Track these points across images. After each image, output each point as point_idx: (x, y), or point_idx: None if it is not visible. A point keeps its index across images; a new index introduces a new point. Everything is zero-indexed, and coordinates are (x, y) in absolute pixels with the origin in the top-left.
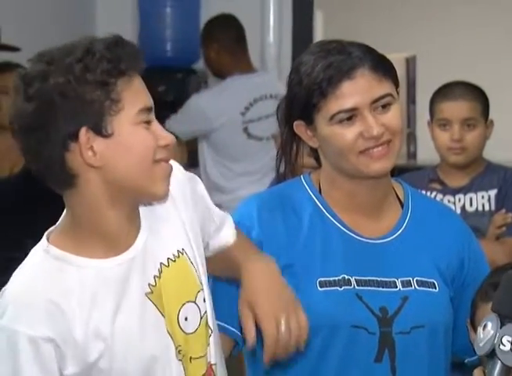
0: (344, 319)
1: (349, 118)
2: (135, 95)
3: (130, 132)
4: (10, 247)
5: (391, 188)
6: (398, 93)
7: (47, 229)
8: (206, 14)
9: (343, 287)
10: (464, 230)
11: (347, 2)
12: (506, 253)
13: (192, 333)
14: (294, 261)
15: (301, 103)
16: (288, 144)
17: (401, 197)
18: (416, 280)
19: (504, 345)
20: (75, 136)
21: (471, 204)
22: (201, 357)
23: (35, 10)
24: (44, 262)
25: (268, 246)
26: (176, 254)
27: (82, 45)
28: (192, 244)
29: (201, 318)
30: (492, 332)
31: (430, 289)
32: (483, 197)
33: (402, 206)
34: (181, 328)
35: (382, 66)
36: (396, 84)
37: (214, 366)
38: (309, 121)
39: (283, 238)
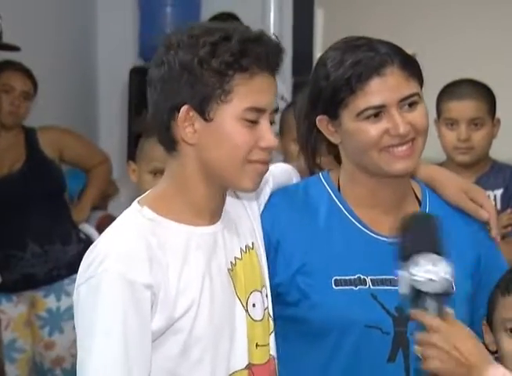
0: (358, 319)
1: (376, 115)
2: (248, 93)
3: (229, 125)
4: (10, 245)
5: (411, 187)
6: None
7: (45, 227)
8: (206, 13)
9: (358, 287)
10: (479, 228)
11: (348, 1)
12: (511, 253)
13: (259, 321)
14: (311, 259)
15: (327, 97)
16: (308, 139)
17: (419, 196)
18: None
19: (418, 277)
20: (179, 110)
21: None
22: (264, 346)
23: (35, 9)
24: (138, 220)
25: (286, 245)
26: (250, 245)
27: (224, 30)
28: (260, 243)
29: (264, 310)
30: (406, 274)
31: None
32: (489, 197)
33: (420, 205)
34: (248, 313)
35: (410, 65)
36: (421, 84)
37: (275, 360)
38: (334, 116)
39: (300, 237)
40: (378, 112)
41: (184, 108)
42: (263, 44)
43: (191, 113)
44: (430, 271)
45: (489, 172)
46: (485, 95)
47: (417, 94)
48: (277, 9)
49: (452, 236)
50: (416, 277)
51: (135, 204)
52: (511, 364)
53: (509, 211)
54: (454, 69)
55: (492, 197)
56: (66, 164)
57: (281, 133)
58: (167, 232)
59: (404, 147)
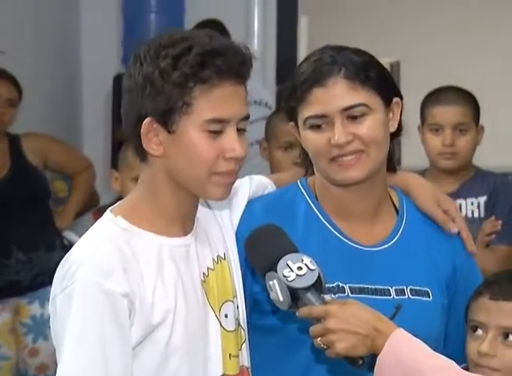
0: None
1: (321, 125)
2: (209, 104)
3: (192, 137)
4: None
5: (387, 195)
6: (390, 102)
7: (30, 233)
8: (190, 20)
9: (337, 295)
10: (456, 237)
11: (332, 8)
12: (495, 260)
13: (231, 331)
14: None
15: (285, 105)
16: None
17: (396, 204)
18: (410, 289)
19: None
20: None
21: (460, 211)
22: (236, 356)
23: (18, 16)
24: (112, 230)
25: None
26: (222, 256)
27: (188, 41)
28: (232, 253)
29: (236, 319)
30: (279, 280)
31: (424, 298)
32: (472, 204)
33: (398, 213)
34: (221, 323)
35: (362, 75)
36: (385, 94)
37: (249, 370)
38: (295, 123)
39: None
40: (323, 122)
41: (146, 121)
42: (225, 55)
43: (154, 125)
44: (301, 267)
45: (473, 179)
46: (470, 101)
47: (364, 105)
48: (261, 16)
49: (429, 245)
50: (290, 278)
51: (108, 213)
52: (472, 365)
53: (492, 218)
54: (436, 76)
55: (475, 205)
56: (50, 170)
57: (267, 140)
58: (140, 242)
59: (349, 157)
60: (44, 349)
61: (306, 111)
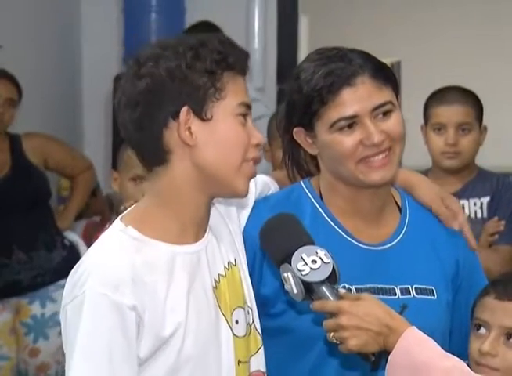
0: None
1: (349, 125)
2: (237, 89)
3: (227, 122)
4: None
5: (391, 194)
6: (398, 100)
7: (31, 233)
8: (190, 20)
9: None
10: (458, 235)
11: (332, 8)
12: (498, 260)
13: (242, 337)
14: None
15: (301, 110)
16: (289, 151)
17: (399, 203)
18: (415, 288)
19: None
20: (176, 115)
21: (463, 211)
22: (245, 362)
23: (18, 17)
24: (122, 239)
25: None
26: (232, 262)
27: (197, 37)
28: (242, 258)
29: (247, 325)
30: (293, 274)
31: (429, 296)
32: (475, 204)
33: (401, 212)
34: (232, 330)
35: (382, 74)
36: (396, 91)
37: (265, 375)
38: (309, 128)
39: None
40: (351, 123)
41: (183, 111)
42: (237, 47)
43: (188, 116)
44: (315, 260)
45: (476, 179)
46: (473, 101)
47: (390, 102)
48: (261, 16)
49: (433, 242)
50: (304, 272)
51: (117, 222)
52: (473, 363)
53: (495, 219)
54: (437, 76)
55: (478, 205)
56: (50, 170)
57: (269, 141)
58: (151, 251)
59: (380, 157)
60: (44, 349)
61: (334, 114)
